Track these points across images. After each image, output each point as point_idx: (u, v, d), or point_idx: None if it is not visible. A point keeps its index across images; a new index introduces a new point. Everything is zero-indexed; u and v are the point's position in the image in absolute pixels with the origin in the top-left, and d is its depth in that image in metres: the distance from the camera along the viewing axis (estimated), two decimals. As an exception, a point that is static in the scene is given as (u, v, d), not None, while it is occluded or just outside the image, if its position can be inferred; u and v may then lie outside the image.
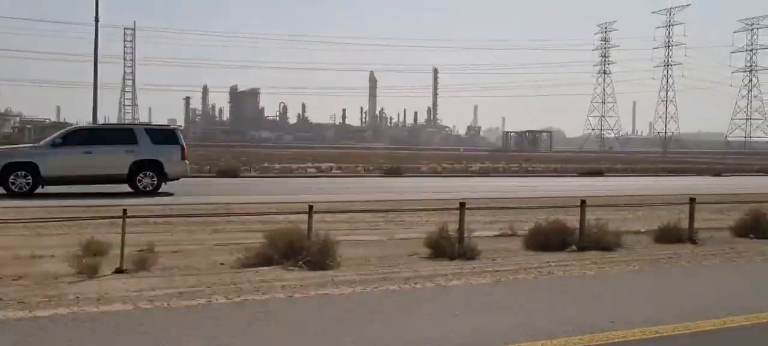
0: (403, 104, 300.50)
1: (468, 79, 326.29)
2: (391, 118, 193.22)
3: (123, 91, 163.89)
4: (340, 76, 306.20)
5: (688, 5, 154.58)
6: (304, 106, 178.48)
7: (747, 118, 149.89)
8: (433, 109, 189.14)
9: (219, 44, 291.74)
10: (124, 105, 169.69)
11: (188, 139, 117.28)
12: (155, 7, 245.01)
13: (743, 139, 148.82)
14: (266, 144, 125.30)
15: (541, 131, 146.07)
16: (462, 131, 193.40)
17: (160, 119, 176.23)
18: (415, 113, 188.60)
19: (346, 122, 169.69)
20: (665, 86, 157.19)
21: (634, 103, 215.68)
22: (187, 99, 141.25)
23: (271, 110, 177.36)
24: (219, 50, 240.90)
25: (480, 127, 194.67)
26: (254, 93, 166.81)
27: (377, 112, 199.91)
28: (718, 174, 43.65)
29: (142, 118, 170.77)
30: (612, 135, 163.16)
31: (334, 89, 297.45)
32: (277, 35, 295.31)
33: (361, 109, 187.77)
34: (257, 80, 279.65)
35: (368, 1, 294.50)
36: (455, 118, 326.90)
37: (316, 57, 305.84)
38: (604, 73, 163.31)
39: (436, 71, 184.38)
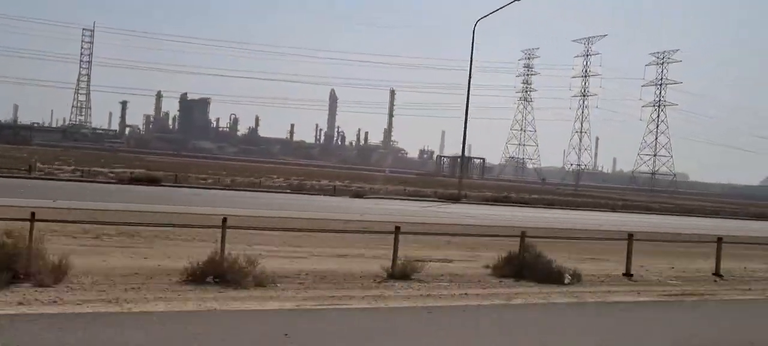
0: (366, 122, 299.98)
1: (426, 98, 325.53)
2: (341, 137, 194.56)
3: (76, 93, 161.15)
4: (301, 91, 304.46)
5: (605, 35, 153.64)
6: (257, 120, 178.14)
7: (653, 154, 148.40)
8: (388, 130, 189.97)
9: (181, 50, 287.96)
10: (77, 107, 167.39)
11: (120, 144, 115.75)
12: (118, 9, 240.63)
13: (650, 174, 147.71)
14: (203, 155, 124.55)
15: (472, 157, 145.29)
16: (415, 154, 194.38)
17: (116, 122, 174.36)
18: (366, 133, 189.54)
19: (296, 138, 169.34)
20: (580, 117, 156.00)
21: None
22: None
23: (226, 120, 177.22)
24: (178, 56, 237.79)
25: (433, 151, 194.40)
26: (204, 102, 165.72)
27: (337, 129, 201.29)
28: (613, 209, 45.03)
29: (101, 121, 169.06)
30: (531, 165, 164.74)
31: (296, 102, 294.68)
32: (245, 45, 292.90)
33: (316, 126, 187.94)
34: (225, 89, 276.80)
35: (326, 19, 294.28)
36: (413, 140, 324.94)
37: (275, 68, 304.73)
38: (526, 100, 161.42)
39: (392, 92, 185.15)
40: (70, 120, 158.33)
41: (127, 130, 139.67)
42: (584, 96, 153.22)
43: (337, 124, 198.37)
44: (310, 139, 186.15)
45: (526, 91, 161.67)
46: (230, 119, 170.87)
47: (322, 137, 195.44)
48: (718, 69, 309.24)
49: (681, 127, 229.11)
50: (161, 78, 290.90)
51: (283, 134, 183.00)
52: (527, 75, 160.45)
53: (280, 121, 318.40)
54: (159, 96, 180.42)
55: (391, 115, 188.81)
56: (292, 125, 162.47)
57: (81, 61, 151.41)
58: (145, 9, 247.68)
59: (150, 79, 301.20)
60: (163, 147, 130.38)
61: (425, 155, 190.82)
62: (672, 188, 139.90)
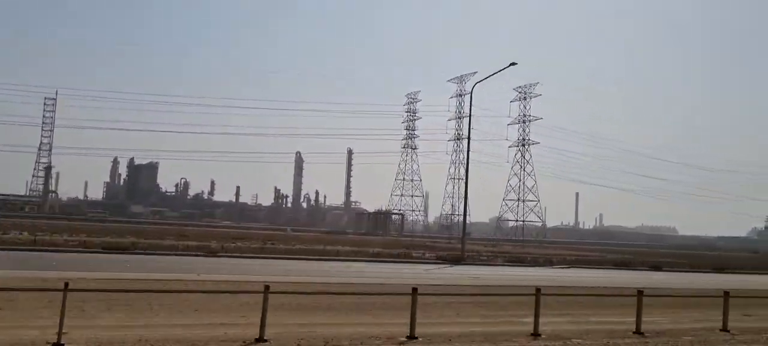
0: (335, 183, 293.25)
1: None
2: (306, 199, 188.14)
3: (37, 162, 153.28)
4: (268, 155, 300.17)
5: (475, 72, 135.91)
6: (213, 184, 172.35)
7: (518, 199, 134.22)
8: (346, 189, 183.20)
9: (138, 108, 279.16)
10: (38, 174, 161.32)
11: (38, 210, 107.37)
12: (80, 70, 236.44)
13: (516, 222, 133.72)
14: (134, 219, 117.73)
15: (390, 212, 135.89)
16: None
17: (74, 185, 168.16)
18: (315, 193, 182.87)
19: (241, 200, 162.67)
20: (455, 162, 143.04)
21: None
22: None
23: (175, 184, 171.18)
24: (138, 114, 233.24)
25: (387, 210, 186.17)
26: (152, 166, 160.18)
27: (302, 192, 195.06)
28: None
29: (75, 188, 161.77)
30: (416, 216, 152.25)
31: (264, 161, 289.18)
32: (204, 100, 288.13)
33: (275, 188, 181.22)
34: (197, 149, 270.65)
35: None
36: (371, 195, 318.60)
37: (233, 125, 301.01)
38: (411, 147, 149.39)
39: (350, 151, 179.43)
40: (30, 185, 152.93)
41: (51, 196, 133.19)
42: (458, 139, 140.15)
43: (302, 185, 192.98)
44: (276, 201, 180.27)
45: (410, 138, 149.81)
46: (180, 182, 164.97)
47: (290, 200, 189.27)
48: (580, 103, 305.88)
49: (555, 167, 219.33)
50: (136, 140, 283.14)
51: (248, 198, 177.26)
52: (410, 120, 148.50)
53: (253, 184, 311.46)
54: (115, 161, 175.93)
55: (349, 174, 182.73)
56: (238, 187, 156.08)
57: (43, 128, 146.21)
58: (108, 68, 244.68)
59: (119, 141, 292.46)
60: (96, 213, 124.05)
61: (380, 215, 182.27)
62: (540, 236, 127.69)
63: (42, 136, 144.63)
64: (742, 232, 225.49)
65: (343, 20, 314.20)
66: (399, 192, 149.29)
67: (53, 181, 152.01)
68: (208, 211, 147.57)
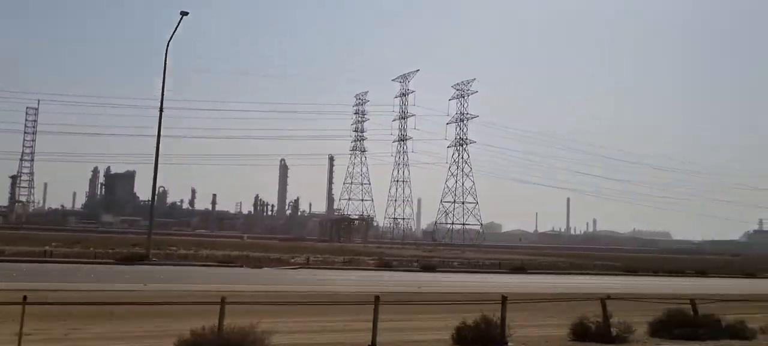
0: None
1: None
2: (292, 207, 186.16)
3: (18, 174, 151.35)
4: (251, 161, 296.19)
5: (417, 71, 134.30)
6: (193, 192, 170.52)
7: (453, 201, 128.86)
8: (328, 196, 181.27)
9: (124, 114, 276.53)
10: (19, 184, 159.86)
11: (4, 221, 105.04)
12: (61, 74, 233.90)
13: (451, 225, 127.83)
14: (104, 229, 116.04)
15: (354, 219, 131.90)
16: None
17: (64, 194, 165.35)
18: (296, 199, 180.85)
19: (224, 209, 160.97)
20: (399, 163, 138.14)
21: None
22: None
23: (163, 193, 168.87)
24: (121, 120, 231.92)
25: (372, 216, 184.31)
26: (129, 175, 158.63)
27: (287, 200, 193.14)
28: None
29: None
30: (406, 223, 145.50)
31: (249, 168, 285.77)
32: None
33: (256, 196, 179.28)
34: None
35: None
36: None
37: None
38: (359, 150, 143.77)
39: (331, 158, 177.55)
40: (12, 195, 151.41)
41: (17, 205, 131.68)
42: (403, 140, 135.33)
43: (287, 193, 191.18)
44: (256, 209, 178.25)
45: (358, 140, 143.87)
46: (159, 191, 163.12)
47: (274, 209, 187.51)
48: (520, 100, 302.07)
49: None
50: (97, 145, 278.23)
51: (231, 207, 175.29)
52: (359, 122, 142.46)
53: (235, 192, 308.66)
54: (95, 171, 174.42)
55: (330, 182, 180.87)
56: (214, 195, 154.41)
57: (24, 138, 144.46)
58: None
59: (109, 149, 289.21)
60: (67, 223, 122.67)
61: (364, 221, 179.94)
62: (479, 240, 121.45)
63: (24, 145, 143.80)
64: (736, 235, 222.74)
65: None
66: (347, 196, 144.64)
67: (35, 191, 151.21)
68: (184, 220, 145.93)
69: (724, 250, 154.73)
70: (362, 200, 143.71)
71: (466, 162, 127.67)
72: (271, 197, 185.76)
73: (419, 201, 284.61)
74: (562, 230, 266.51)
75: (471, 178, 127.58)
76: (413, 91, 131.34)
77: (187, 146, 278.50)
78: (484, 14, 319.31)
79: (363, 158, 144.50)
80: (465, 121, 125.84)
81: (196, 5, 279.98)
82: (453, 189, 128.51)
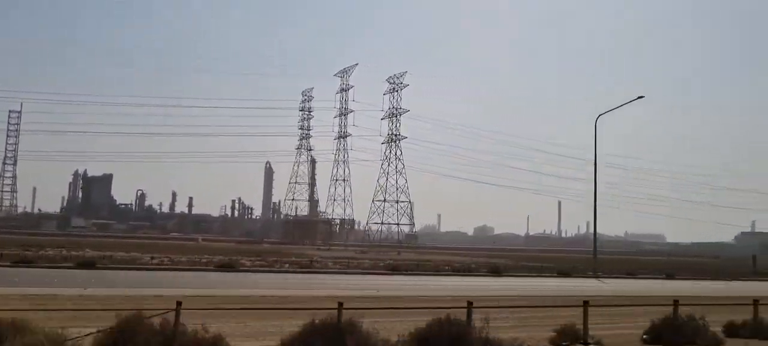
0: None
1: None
2: (276, 211, 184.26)
3: (1, 176, 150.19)
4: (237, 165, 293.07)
5: (356, 65, 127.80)
6: (174, 195, 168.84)
7: (384, 200, 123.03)
8: (312, 199, 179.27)
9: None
10: (2, 188, 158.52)
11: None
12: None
13: (381, 225, 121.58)
14: (73, 233, 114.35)
15: (317, 220, 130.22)
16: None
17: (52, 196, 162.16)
18: (277, 202, 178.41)
19: (202, 211, 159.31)
20: (338, 161, 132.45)
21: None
22: None
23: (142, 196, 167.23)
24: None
25: (354, 221, 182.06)
26: (107, 178, 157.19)
27: (272, 203, 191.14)
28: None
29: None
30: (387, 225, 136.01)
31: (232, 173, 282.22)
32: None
33: (233, 200, 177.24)
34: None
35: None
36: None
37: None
38: (306, 149, 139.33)
39: (313, 161, 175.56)
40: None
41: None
42: (343, 137, 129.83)
43: (272, 196, 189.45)
44: (239, 212, 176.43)
45: (305, 138, 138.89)
46: (137, 195, 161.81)
47: (259, 212, 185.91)
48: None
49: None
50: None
51: (216, 210, 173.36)
52: (305, 119, 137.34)
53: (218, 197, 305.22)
54: (76, 174, 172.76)
55: (312, 184, 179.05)
56: (191, 198, 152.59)
57: (7, 142, 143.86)
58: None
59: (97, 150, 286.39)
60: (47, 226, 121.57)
61: (347, 226, 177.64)
62: (411, 240, 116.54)
63: (6, 148, 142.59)
64: (729, 237, 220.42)
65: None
66: (291, 196, 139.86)
67: (18, 195, 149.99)
68: (159, 223, 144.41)
69: (712, 252, 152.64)
70: (306, 200, 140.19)
71: (399, 159, 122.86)
72: (257, 200, 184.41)
73: (411, 203, 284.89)
74: (553, 233, 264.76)
75: (404, 175, 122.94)
76: (352, 86, 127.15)
77: (168, 145, 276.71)
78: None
79: (309, 157, 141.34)
80: (397, 116, 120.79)
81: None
82: (384, 187, 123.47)
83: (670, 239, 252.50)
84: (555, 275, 38.77)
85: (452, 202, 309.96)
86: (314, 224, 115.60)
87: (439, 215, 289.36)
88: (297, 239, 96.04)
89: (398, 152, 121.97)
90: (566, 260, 59.74)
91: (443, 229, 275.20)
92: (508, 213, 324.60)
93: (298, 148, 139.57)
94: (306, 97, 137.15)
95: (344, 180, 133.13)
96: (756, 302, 15.00)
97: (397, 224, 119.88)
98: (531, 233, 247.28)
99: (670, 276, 41.41)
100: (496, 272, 37.48)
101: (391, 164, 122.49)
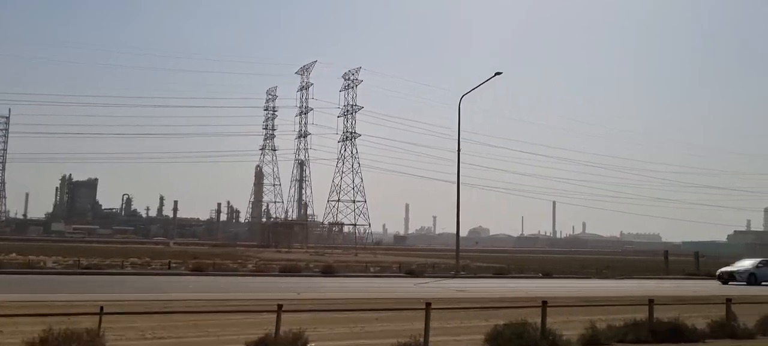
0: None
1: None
2: (266, 214, 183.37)
3: None
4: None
5: (315, 62, 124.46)
6: (161, 199, 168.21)
7: (337, 200, 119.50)
8: (298, 201, 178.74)
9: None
10: None
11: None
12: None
13: (336, 225, 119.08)
14: (51, 238, 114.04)
15: (293, 222, 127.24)
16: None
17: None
18: (266, 206, 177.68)
19: (190, 216, 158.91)
20: (297, 161, 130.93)
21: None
22: None
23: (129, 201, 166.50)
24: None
25: (342, 224, 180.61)
26: (92, 183, 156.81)
27: (263, 206, 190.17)
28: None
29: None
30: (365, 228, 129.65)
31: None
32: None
33: (228, 203, 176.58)
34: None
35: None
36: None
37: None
38: (270, 149, 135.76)
39: (301, 163, 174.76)
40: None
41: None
42: (303, 136, 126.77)
43: (263, 200, 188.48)
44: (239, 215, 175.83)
45: (270, 138, 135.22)
46: (123, 200, 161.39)
47: (248, 215, 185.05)
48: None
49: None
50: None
51: (206, 214, 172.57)
52: (270, 119, 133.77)
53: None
54: (64, 179, 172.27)
55: (301, 187, 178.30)
56: (176, 202, 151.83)
57: None
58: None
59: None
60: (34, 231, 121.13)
61: (335, 228, 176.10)
62: (370, 243, 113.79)
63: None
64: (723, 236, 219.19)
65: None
66: (252, 197, 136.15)
67: (7, 200, 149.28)
68: (142, 228, 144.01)
69: (702, 251, 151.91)
70: (274, 202, 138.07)
71: (354, 157, 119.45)
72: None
73: (407, 205, 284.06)
74: (548, 233, 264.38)
75: (360, 174, 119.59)
76: (312, 84, 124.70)
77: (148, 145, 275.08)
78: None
79: (274, 156, 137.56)
80: (353, 114, 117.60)
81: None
82: (338, 186, 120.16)
83: (666, 239, 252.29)
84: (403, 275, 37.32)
85: (447, 204, 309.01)
86: (289, 226, 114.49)
87: (435, 217, 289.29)
88: (273, 241, 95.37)
89: (353, 150, 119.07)
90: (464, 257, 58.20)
91: (439, 230, 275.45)
92: (505, 214, 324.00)
93: (262, 149, 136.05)
94: (270, 96, 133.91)
95: (304, 180, 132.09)
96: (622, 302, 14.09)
97: (354, 225, 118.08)
98: (526, 234, 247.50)
99: (547, 275, 40.14)
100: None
101: (346, 163, 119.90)
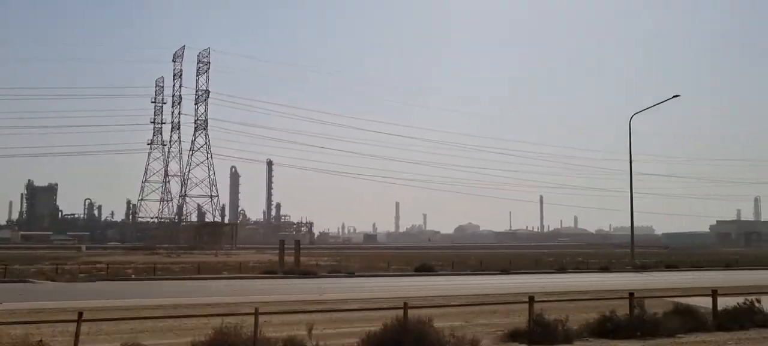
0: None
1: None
2: (242, 215, 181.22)
3: None
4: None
5: (183, 47, 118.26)
6: (128, 203, 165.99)
7: (184, 194, 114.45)
8: (267, 202, 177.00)
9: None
10: None
11: None
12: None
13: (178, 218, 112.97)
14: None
15: (226, 224, 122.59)
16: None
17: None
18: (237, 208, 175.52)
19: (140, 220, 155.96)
20: (168, 154, 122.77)
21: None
22: None
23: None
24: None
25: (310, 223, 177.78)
26: (51, 189, 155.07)
27: (240, 209, 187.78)
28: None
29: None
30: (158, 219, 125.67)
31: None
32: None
33: (214, 203, 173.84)
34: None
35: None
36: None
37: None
38: (161, 144, 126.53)
39: (269, 163, 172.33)
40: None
41: None
42: (176, 129, 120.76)
43: (239, 201, 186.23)
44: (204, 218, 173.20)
45: (158, 133, 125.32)
46: (85, 205, 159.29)
47: (225, 216, 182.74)
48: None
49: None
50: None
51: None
52: (158, 113, 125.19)
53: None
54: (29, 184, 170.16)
55: (269, 186, 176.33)
56: (134, 206, 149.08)
57: None
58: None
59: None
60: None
61: (306, 230, 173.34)
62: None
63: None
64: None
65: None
66: (140, 196, 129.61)
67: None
68: (99, 233, 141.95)
69: (685, 243, 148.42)
70: (165, 201, 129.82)
71: (207, 147, 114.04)
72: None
73: (397, 204, 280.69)
74: (535, 228, 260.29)
75: (207, 164, 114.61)
76: (182, 71, 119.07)
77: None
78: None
79: (164, 151, 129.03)
80: (205, 100, 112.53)
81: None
82: (184, 176, 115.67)
83: (659, 231, 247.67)
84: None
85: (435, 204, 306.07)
86: (219, 226, 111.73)
87: (425, 215, 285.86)
88: (199, 243, 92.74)
89: (206, 139, 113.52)
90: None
91: (429, 228, 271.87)
92: (493, 209, 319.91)
93: (151, 143, 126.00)
94: (158, 88, 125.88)
95: (175, 175, 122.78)
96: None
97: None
98: (514, 229, 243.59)
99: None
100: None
101: (201, 152, 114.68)
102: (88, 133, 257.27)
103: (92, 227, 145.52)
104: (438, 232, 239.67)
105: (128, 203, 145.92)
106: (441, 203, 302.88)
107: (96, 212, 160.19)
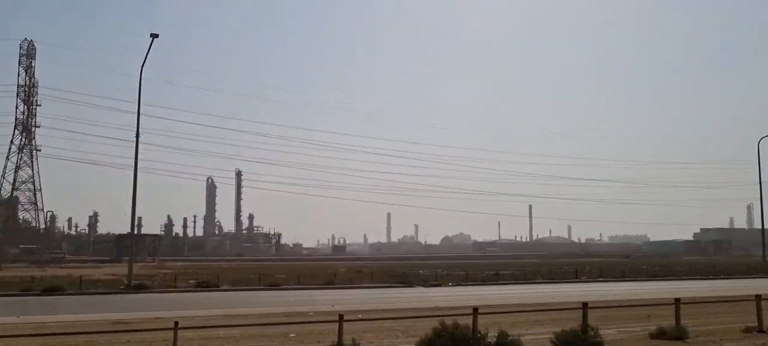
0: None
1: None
2: (218, 228, 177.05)
3: None
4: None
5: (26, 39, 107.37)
6: (95, 215, 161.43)
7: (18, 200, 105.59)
8: (236, 213, 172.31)
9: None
10: None
11: None
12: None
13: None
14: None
15: (145, 235, 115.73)
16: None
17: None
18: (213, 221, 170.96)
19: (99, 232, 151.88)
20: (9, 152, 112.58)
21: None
22: None
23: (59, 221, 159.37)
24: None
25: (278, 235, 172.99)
26: (13, 200, 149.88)
27: (216, 221, 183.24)
28: None
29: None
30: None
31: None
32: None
33: (191, 217, 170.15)
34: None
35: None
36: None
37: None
38: (36, 149, 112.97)
39: (238, 173, 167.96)
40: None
41: None
42: (28, 129, 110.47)
43: (216, 213, 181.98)
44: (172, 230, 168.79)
45: (28, 127, 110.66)
46: (46, 217, 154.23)
47: (201, 230, 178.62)
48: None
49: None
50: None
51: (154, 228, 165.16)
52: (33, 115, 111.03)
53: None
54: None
55: (238, 197, 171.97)
56: (94, 215, 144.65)
57: None
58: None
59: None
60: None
61: (272, 238, 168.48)
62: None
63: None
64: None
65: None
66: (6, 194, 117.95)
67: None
68: (54, 244, 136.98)
69: (669, 251, 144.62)
70: (43, 210, 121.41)
71: (34, 146, 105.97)
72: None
73: (389, 215, 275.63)
74: (525, 238, 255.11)
75: (31, 166, 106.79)
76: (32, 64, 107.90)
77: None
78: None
79: (36, 155, 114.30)
80: (32, 96, 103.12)
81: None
82: (11, 179, 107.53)
83: (654, 238, 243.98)
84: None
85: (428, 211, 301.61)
86: (142, 238, 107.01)
87: (416, 226, 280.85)
88: (119, 256, 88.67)
89: (32, 139, 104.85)
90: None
91: (421, 238, 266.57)
92: (486, 219, 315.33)
93: (20, 148, 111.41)
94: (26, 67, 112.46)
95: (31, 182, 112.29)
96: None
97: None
98: (503, 238, 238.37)
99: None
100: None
101: (23, 154, 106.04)
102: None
103: (48, 240, 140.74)
104: (419, 242, 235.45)
105: (90, 218, 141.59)
106: (431, 213, 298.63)
107: None
